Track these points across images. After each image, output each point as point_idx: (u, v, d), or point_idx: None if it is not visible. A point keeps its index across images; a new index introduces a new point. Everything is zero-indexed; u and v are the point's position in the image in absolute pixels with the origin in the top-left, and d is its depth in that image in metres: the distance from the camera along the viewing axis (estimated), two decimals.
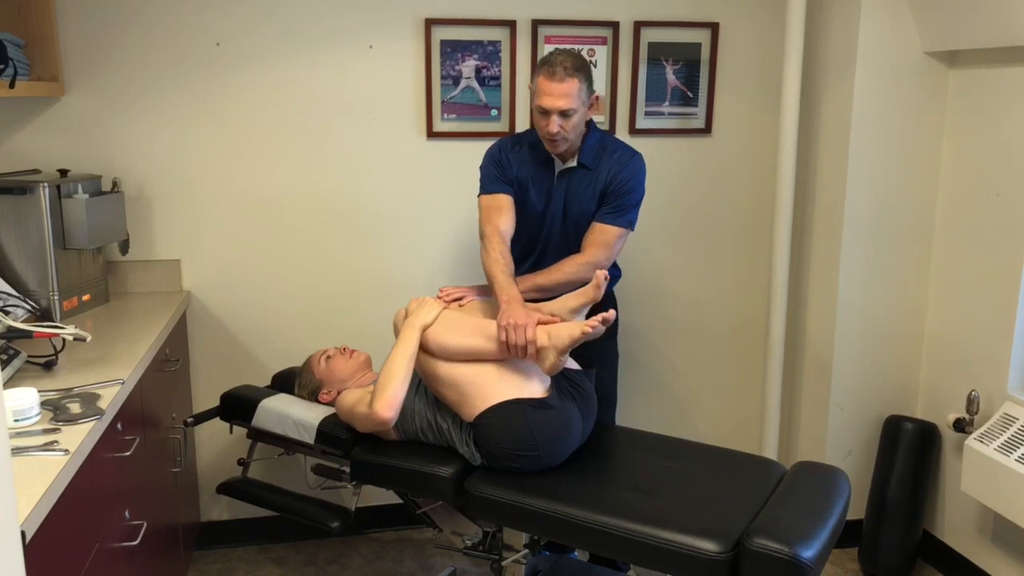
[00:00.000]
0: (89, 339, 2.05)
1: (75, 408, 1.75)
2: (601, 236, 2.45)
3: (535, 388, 2.19)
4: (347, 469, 2.38)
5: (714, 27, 3.09)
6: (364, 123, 2.96)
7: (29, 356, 2.05)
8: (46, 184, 2.45)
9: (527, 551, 2.44)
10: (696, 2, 3.06)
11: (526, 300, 2.34)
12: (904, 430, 2.93)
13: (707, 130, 3.17)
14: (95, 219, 2.55)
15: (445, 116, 2.99)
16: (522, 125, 3.03)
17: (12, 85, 2.28)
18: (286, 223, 2.98)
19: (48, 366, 2.04)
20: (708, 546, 1.84)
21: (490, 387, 2.16)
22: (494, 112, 3.01)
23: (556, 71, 2.30)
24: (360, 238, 3.03)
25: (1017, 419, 2.54)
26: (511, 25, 2.96)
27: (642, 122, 3.11)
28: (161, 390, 2.49)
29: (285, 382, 2.73)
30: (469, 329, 2.24)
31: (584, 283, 2.35)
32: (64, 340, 2.06)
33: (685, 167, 3.19)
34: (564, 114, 2.32)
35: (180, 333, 2.85)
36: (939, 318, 2.98)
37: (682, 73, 3.11)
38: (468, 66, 2.96)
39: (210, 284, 2.97)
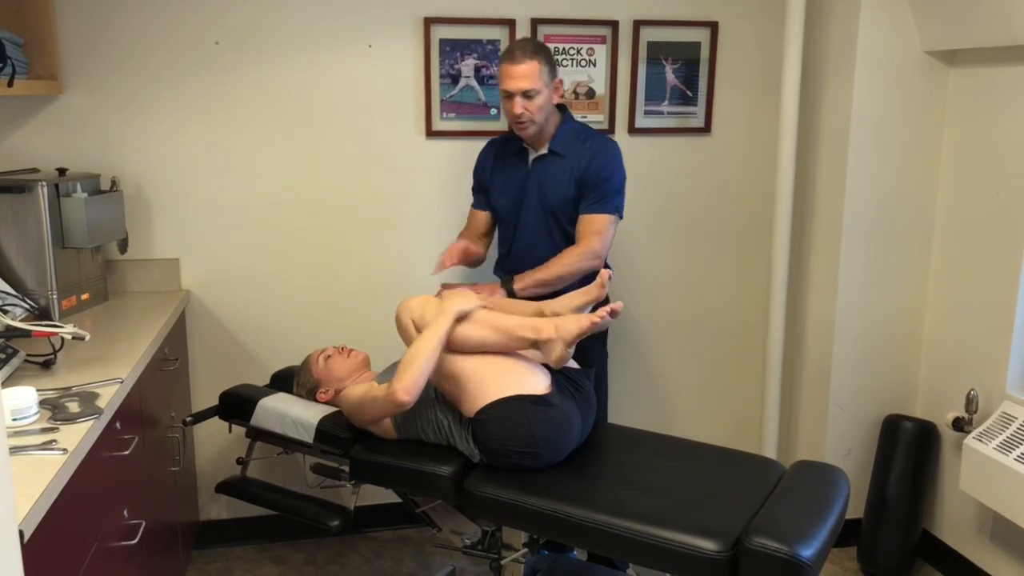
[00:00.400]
0: (88, 338, 2.04)
1: (74, 407, 1.75)
2: (591, 226, 2.50)
3: (536, 385, 2.19)
4: (346, 468, 2.37)
5: (713, 26, 3.09)
6: (363, 122, 2.96)
7: (28, 355, 2.05)
8: (45, 183, 2.44)
9: (526, 550, 2.44)
10: (695, 1, 3.06)
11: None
12: (903, 429, 2.93)
13: (706, 129, 3.17)
14: (94, 218, 2.55)
15: (444, 115, 2.99)
16: None
17: (10, 84, 2.28)
18: (285, 222, 2.97)
19: (47, 365, 2.04)
20: (707, 545, 1.84)
21: (491, 383, 2.16)
22: (493, 111, 3.01)
23: (515, 54, 2.43)
24: (359, 237, 3.03)
25: (1016, 418, 2.55)
26: (510, 24, 2.96)
27: (641, 121, 3.11)
28: (160, 389, 2.49)
29: (284, 381, 2.73)
30: (467, 321, 2.24)
31: (583, 274, 2.45)
32: (63, 339, 2.06)
33: (684, 166, 3.19)
34: (527, 95, 2.42)
35: (179, 332, 2.85)
36: (938, 317, 2.98)
37: (681, 72, 3.11)
38: (467, 65, 2.96)
39: (209, 283, 2.96)
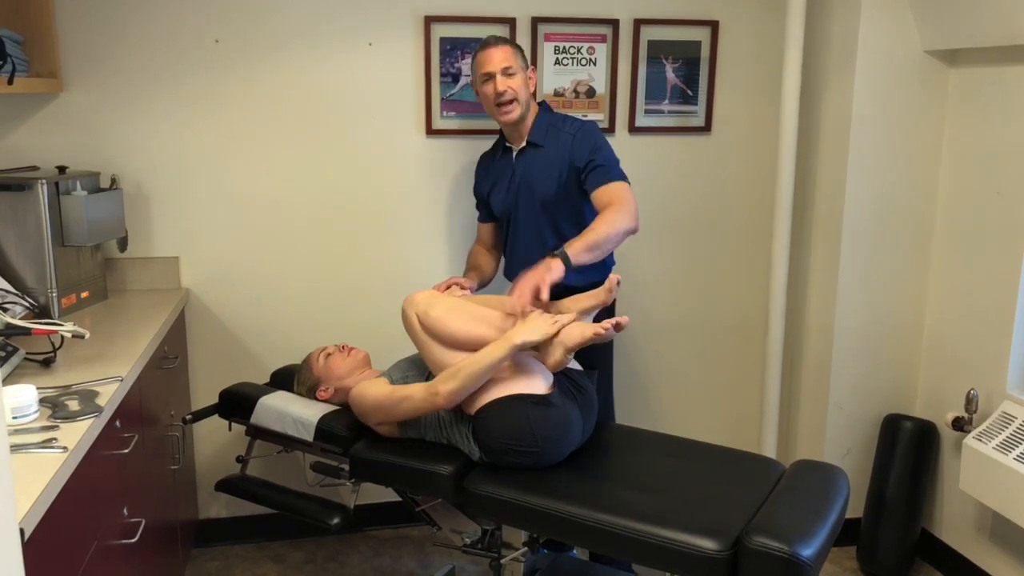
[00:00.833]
0: (87, 336, 2.04)
1: (74, 405, 1.75)
2: (607, 195, 2.40)
3: (537, 385, 2.19)
4: (346, 466, 2.37)
5: (714, 25, 3.09)
6: (363, 120, 2.95)
7: (27, 353, 2.05)
8: (44, 181, 2.44)
9: (526, 549, 2.44)
10: (696, 0, 3.06)
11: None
12: (903, 429, 2.93)
13: (707, 128, 3.17)
14: (94, 216, 2.55)
15: (444, 114, 2.99)
16: None
17: (10, 81, 2.28)
18: (285, 221, 2.97)
19: (46, 363, 2.04)
20: (707, 544, 1.84)
21: (493, 381, 2.16)
22: None
23: (488, 42, 2.52)
24: (359, 236, 3.03)
25: (1016, 418, 2.55)
26: (511, 23, 2.96)
27: (642, 120, 3.11)
28: (160, 387, 2.48)
29: (284, 380, 2.72)
30: (473, 317, 2.23)
31: (626, 234, 2.35)
32: (62, 337, 2.06)
33: (685, 165, 3.19)
34: (506, 72, 2.46)
35: (179, 330, 2.85)
36: (938, 317, 2.98)
37: (682, 71, 3.11)
38: (468, 64, 2.96)
39: (209, 281, 2.96)
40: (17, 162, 2.75)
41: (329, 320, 3.05)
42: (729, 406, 3.42)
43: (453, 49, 2.94)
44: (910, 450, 2.91)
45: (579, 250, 2.26)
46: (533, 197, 2.55)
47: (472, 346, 2.19)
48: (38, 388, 1.78)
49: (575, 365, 2.33)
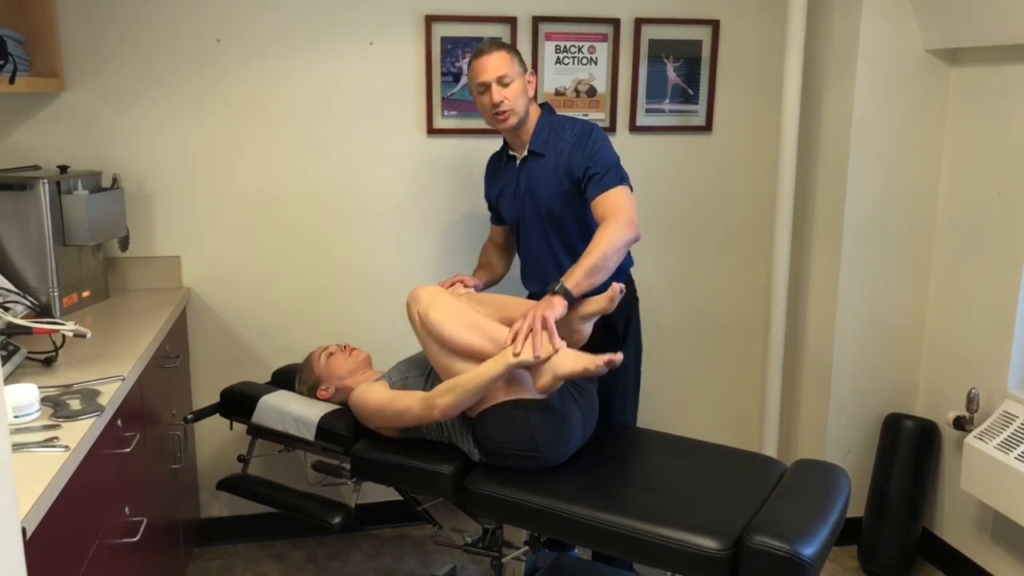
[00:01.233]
0: (89, 335, 2.04)
1: (75, 404, 1.75)
2: (606, 203, 2.32)
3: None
4: (347, 465, 2.37)
5: (715, 24, 3.08)
6: (364, 120, 2.96)
7: (29, 352, 2.05)
8: (46, 180, 2.44)
9: (527, 548, 2.44)
10: None
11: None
12: (904, 428, 2.93)
13: (707, 128, 3.17)
14: (95, 215, 2.55)
15: (445, 113, 2.99)
16: None
17: (12, 81, 2.28)
18: (286, 220, 2.97)
19: (48, 362, 2.04)
20: (708, 543, 1.84)
21: (494, 385, 2.16)
22: None
23: (482, 49, 2.42)
24: (360, 235, 3.03)
25: (1017, 417, 2.55)
26: (512, 22, 2.96)
27: (642, 119, 3.11)
28: (161, 386, 2.49)
29: (285, 379, 2.73)
30: (470, 325, 2.20)
31: (627, 246, 2.29)
32: (64, 336, 2.06)
33: (685, 165, 3.19)
34: (501, 81, 2.37)
35: (180, 329, 2.85)
36: (939, 316, 2.98)
37: (683, 70, 3.11)
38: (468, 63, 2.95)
39: (210, 280, 2.96)
40: (19, 161, 2.75)
41: (330, 319, 3.06)
42: (730, 405, 3.42)
43: (454, 48, 2.94)
44: (911, 449, 2.91)
45: (579, 279, 2.19)
46: (539, 208, 2.49)
47: (466, 354, 2.17)
48: (40, 387, 1.78)
49: None
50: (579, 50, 3.03)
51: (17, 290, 2.36)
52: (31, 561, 1.25)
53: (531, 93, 2.48)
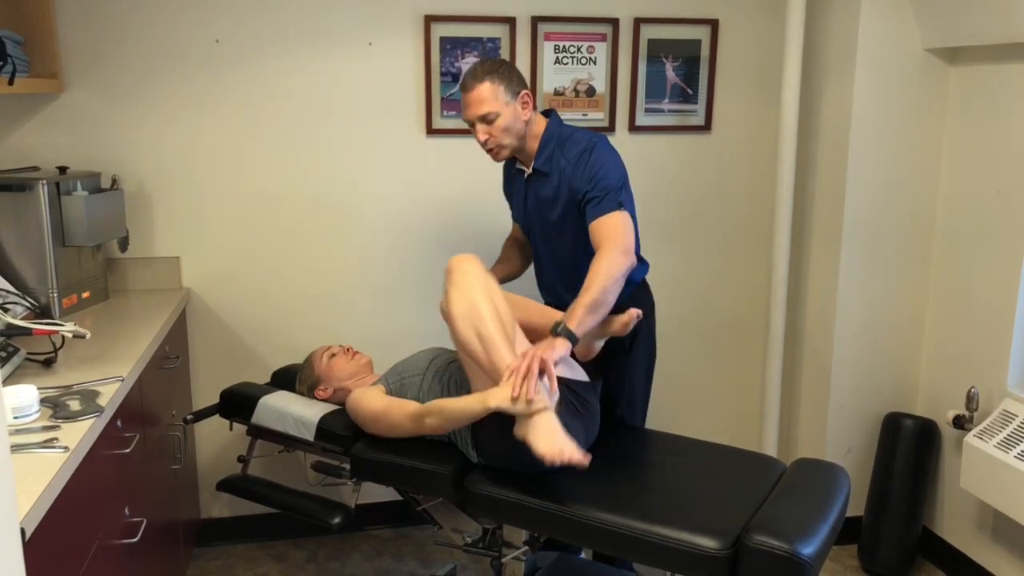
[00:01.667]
0: (88, 336, 2.05)
1: (75, 405, 1.75)
2: (600, 231, 2.27)
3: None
4: (347, 466, 2.38)
5: (714, 24, 3.08)
6: (364, 120, 2.96)
7: (28, 353, 2.05)
8: (45, 181, 2.44)
9: (527, 548, 2.44)
10: None
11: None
12: (904, 427, 2.93)
13: (707, 127, 3.17)
14: (94, 216, 2.55)
15: (445, 113, 2.99)
16: None
17: (11, 82, 2.28)
18: (286, 220, 2.97)
19: (47, 363, 2.04)
20: (708, 543, 1.84)
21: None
22: None
23: (466, 81, 2.29)
24: (360, 235, 3.03)
25: (1016, 416, 2.55)
26: (511, 22, 2.96)
27: (642, 119, 3.11)
28: (161, 387, 2.49)
29: (285, 379, 2.73)
30: (480, 335, 2.09)
31: (624, 275, 2.21)
32: (63, 337, 2.06)
33: (685, 164, 3.19)
34: (485, 119, 2.28)
35: (180, 330, 2.85)
36: (939, 315, 2.98)
37: (682, 70, 3.11)
38: (468, 63, 2.96)
39: (210, 281, 2.96)
40: (18, 162, 2.75)
41: (330, 319, 3.06)
42: (730, 405, 3.42)
43: (453, 48, 2.94)
44: (911, 448, 2.91)
45: (581, 317, 2.12)
46: (546, 223, 2.43)
47: (470, 358, 2.13)
48: (39, 388, 1.78)
49: (581, 376, 2.28)
50: (578, 50, 3.03)
51: (16, 291, 2.36)
52: (30, 562, 1.25)
53: (526, 116, 2.33)
